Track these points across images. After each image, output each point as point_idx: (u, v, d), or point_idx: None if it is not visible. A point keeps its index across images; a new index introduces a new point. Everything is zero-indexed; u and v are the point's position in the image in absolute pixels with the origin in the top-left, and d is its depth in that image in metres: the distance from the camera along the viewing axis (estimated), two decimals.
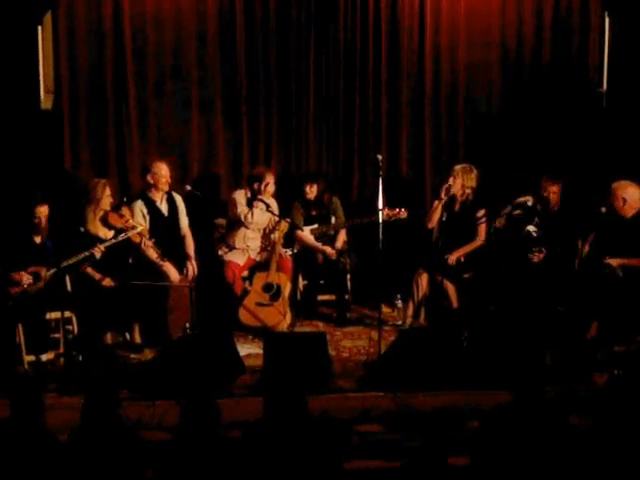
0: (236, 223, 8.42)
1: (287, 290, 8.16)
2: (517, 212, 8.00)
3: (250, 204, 8.34)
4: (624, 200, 7.55)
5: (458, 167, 8.30)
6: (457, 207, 8.27)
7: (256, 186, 8.29)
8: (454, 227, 8.21)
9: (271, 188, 8.32)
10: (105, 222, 7.60)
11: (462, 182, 8.21)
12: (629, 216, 7.59)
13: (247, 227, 8.36)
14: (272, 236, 8.34)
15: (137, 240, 7.56)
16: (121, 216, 7.62)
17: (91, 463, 4.67)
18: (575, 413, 5.50)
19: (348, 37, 9.04)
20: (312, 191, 8.64)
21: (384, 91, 9.16)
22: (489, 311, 7.75)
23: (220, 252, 8.44)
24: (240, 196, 8.39)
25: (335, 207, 8.74)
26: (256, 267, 8.40)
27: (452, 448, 5.26)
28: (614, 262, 7.44)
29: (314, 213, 8.67)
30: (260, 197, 8.29)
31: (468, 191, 8.22)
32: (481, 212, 8.23)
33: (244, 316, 8.07)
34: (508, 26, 9.17)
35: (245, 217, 8.31)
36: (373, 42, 9.04)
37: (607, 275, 7.41)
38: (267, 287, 8.15)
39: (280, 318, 8.03)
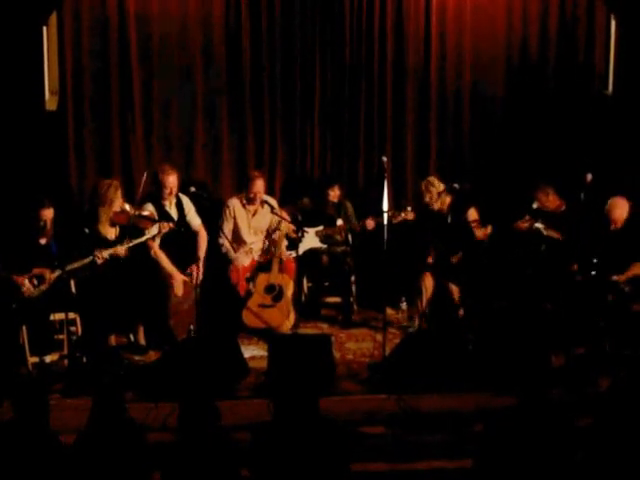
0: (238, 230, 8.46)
1: (290, 290, 8.15)
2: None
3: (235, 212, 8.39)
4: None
5: (422, 186, 8.32)
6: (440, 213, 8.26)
7: (248, 188, 8.33)
8: (449, 233, 8.23)
9: (260, 191, 8.31)
10: (112, 223, 7.60)
11: (436, 192, 8.22)
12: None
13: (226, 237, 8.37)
14: (273, 236, 8.34)
15: (151, 230, 7.59)
16: (123, 211, 7.61)
17: (99, 465, 4.66)
18: (580, 415, 5.48)
19: (354, 40, 9.04)
20: (335, 194, 8.73)
21: (389, 93, 9.16)
22: (493, 312, 7.75)
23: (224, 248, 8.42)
24: (228, 206, 8.41)
25: (348, 212, 8.77)
26: (259, 268, 8.39)
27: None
28: (621, 278, 7.55)
29: (330, 213, 8.69)
30: (265, 199, 8.32)
31: (442, 196, 8.22)
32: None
33: (248, 318, 8.06)
34: (514, 29, 9.17)
35: (223, 232, 8.32)
36: (379, 44, 9.04)
37: (617, 292, 7.51)
38: (269, 288, 8.14)
39: (283, 319, 8.01)
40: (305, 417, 4.78)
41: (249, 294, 8.20)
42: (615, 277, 7.56)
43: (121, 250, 7.38)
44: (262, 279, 8.20)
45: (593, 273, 7.60)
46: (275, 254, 8.25)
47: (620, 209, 7.78)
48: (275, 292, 8.12)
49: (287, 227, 8.27)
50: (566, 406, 5.60)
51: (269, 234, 8.45)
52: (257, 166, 8.99)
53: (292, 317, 8.09)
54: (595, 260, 7.61)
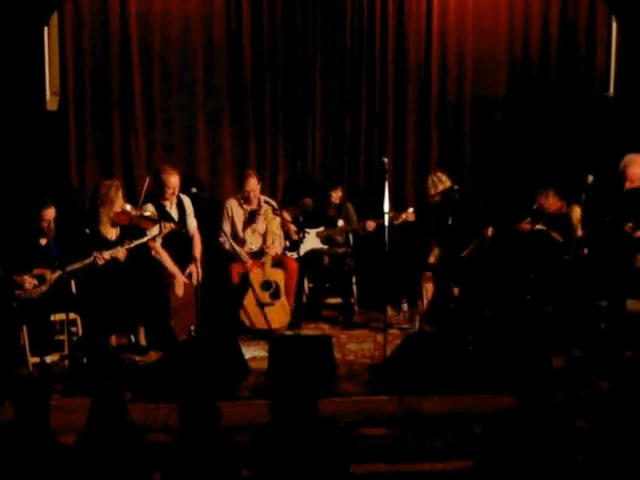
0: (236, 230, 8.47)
1: (282, 284, 8.15)
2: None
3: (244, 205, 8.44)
4: None
5: (429, 180, 8.36)
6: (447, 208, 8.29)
7: (243, 187, 8.38)
8: (458, 230, 8.24)
9: (254, 189, 8.34)
10: (113, 223, 7.59)
11: (442, 188, 8.23)
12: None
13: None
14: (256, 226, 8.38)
15: (152, 230, 7.59)
16: (124, 212, 7.60)
17: (99, 466, 4.66)
18: (580, 417, 5.47)
19: (355, 40, 9.05)
20: (337, 196, 8.74)
21: (390, 94, 9.16)
22: (493, 313, 7.76)
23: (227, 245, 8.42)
24: (226, 207, 8.46)
25: (349, 213, 8.77)
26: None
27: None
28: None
29: (332, 214, 8.71)
30: (266, 199, 8.35)
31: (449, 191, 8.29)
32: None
33: (247, 317, 8.05)
34: (515, 30, 9.18)
35: (224, 231, 8.33)
36: (380, 45, 9.06)
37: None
38: (266, 285, 8.13)
39: (285, 318, 8.07)
40: (304, 418, 4.78)
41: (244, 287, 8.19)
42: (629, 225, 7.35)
43: (121, 253, 7.38)
44: (256, 274, 8.18)
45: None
46: (266, 248, 8.25)
47: (638, 165, 7.49)
48: (272, 289, 8.11)
49: (269, 212, 8.25)
50: (566, 407, 5.59)
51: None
52: (258, 167, 9.00)
53: (289, 312, 8.12)
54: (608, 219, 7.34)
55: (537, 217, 8.03)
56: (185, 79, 8.92)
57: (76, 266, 7.19)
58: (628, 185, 7.54)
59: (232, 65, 8.94)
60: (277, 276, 8.15)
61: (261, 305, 8.08)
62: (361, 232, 8.59)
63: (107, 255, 7.26)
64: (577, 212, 7.87)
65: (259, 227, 8.45)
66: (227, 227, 8.39)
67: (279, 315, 8.07)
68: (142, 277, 7.58)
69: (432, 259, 8.30)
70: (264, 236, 8.41)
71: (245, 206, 8.44)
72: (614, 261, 7.33)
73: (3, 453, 4.64)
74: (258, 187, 8.38)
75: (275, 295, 8.11)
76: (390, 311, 8.25)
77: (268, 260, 8.18)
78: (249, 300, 8.09)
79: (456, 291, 8.17)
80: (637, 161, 7.53)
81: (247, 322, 8.07)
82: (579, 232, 7.66)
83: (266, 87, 9.01)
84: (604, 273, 7.40)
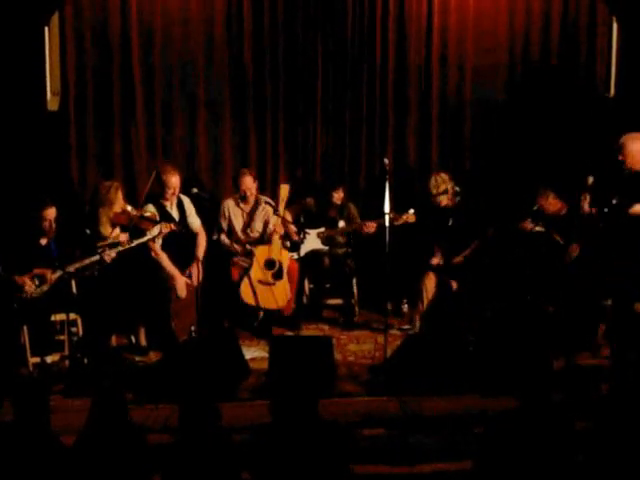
0: (233, 228, 8.49)
1: (286, 266, 8.17)
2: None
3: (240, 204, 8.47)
4: None
5: (432, 180, 8.39)
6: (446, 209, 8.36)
7: (239, 186, 8.40)
8: (458, 231, 8.25)
9: (249, 187, 8.35)
10: (113, 224, 7.59)
11: (445, 188, 8.29)
12: None
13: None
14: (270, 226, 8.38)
15: (152, 231, 7.57)
16: (123, 212, 7.60)
17: (99, 467, 4.66)
18: (580, 418, 5.47)
19: (355, 41, 9.05)
20: (339, 196, 8.73)
21: (391, 94, 9.17)
22: (493, 314, 7.75)
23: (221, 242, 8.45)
24: (223, 206, 8.49)
25: (352, 214, 8.77)
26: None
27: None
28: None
29: (333, 215, 8.71)
30: (267, 200, 8.34)
31: (451, 192, 8.33)
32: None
33: (245, 293, 8.07)
34: (516, 31, 9.18)
35: (220, 227, 8.38)
36: (381, 45, 9.05)
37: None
38: (269, 264, 8.13)
39: (283, 301, 8.08)
40: (305, 418, 4.78)
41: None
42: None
43: (124, 238, 7.37)
44: (262, 251, 8.18)
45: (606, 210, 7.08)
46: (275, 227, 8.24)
47: (636, 145, 7.24)
48: (275, 269, 8.11)
49: (285, 189, 8.25)
50: (566, 408, 5.59)
51: (267, 234, 8.45)
52: (259, 167, 9.01)
53: (289, 293, 8.13)
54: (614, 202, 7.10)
55: (537, 218, 8.03)
56: (186, 79, 8.92)
57: (80, 264, 7.17)
58: (621, 159, 7.25)
59: (233, 65, 8.94)
60: (283, 257, 8.15)
61: (261, 283, 8.07)
62: (363, 232, 8.58)
63: (113, 253, 7.25)
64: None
65: (257, 225, 8.46)
66: (224, 226, 8.42)
67: (279, 296, 8.07)
68: (142, 278, 7.59)
69: (435, 261, 8.30)
70: (262, 235, 8.42)
71: (242, 205, 8.45)
72: (622, 259, 7.26)
73: (3, 453, 4.65)
74: (254, 185, 8.39)
75: (278, 275, 8.10)
76: (390, 312, 8.25)
77: (276, 240, 8.17)
78: (252, 276, 8.09)
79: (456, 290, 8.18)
80: (635, 136, 7.29)
81: (243, 297, 8.08)
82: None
83: (267, 87, 9.01)
84: (611, 273, 7.35)
